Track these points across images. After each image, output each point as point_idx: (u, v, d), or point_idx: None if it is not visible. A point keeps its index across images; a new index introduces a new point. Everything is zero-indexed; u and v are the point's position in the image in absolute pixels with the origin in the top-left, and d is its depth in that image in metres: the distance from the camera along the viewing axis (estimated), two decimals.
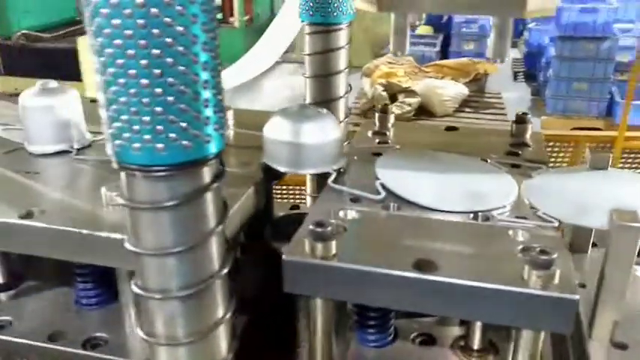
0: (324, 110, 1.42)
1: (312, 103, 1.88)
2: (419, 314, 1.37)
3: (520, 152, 1.55)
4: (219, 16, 9.73)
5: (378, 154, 1.52)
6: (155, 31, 0.81)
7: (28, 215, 1.25)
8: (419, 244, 1.14)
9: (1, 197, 1.35)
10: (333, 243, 1.09)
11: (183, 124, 0.86)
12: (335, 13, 1.73)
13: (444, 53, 8.44)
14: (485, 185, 1.34)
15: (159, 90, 0.84)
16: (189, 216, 0.94)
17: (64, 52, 4.29)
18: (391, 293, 1.08)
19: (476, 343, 1.28)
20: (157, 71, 0.83)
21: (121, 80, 0.84)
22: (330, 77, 1.82)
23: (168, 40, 0.81)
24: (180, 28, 0.82)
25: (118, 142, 0.88)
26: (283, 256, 1.10)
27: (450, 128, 1.71)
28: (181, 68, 0.83)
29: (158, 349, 1.04)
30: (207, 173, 0.93)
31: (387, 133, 1.68)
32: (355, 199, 1.30)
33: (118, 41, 0.82)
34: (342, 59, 1.80)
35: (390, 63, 7.79)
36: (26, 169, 1.46)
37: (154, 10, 0.80)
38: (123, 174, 0.93)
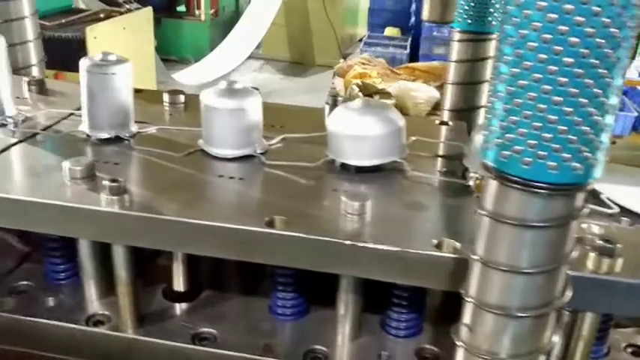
0: None
1: (452, 110, 1.88)
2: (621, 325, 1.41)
3: None
4: (183, 8, 9.49)
5: None
6: (583, 50, 0.79)
7: (271, 223, 1.19)
8: None
9: (225, 204, 1.29)
10: (620, 259, 1.10)
11: (581, 146, 0.84)
12: (493, 23, 1.73)
13: (414, 56, 8.54)
14: None
15: (569, 109, 0.82)
16: (551, 239, 0.91)
17: (71, 41, 4.09)
18: None
19: None
20: (574, 90, 0.81)
21: (532, 94, 0.82)
22: (475, 86, 1.83)
23: (594, 61, 0.79)
24: (609, 51, 0.79)
25: (505, 152, 0.86)
26: (568, 272, 1.10)
27: None
28: (597, 90, 0.81)
29: None
30: (580, 198, 0.90)
31: None
32: None
33: (542, 55, 0.80)
34: (488, 69, 1.81)
35: (363, 64, 7.83)
36: (226, 174, 1.39)
37: (589, 31, 0.78)
38: (494, 183, 0.90)
